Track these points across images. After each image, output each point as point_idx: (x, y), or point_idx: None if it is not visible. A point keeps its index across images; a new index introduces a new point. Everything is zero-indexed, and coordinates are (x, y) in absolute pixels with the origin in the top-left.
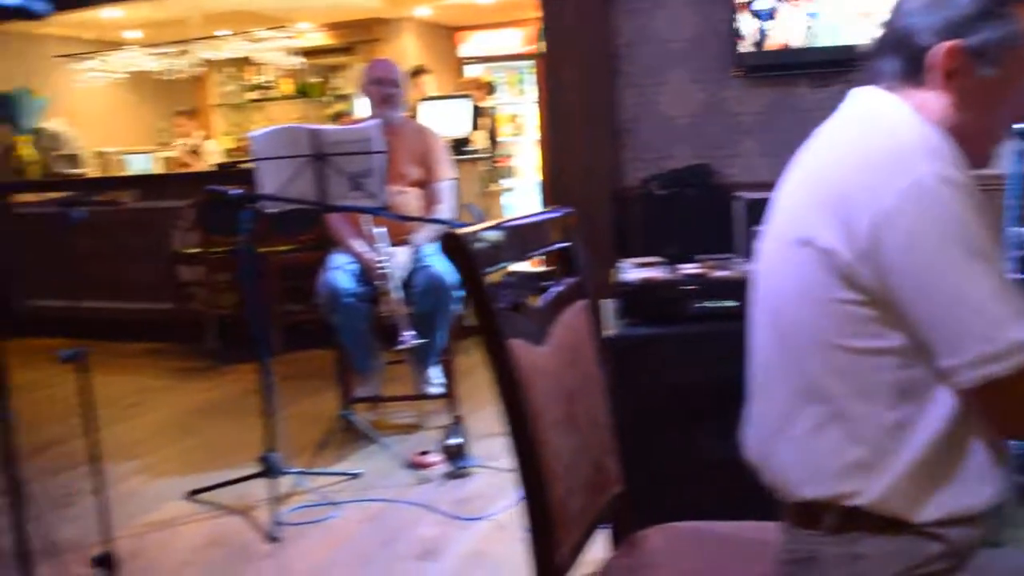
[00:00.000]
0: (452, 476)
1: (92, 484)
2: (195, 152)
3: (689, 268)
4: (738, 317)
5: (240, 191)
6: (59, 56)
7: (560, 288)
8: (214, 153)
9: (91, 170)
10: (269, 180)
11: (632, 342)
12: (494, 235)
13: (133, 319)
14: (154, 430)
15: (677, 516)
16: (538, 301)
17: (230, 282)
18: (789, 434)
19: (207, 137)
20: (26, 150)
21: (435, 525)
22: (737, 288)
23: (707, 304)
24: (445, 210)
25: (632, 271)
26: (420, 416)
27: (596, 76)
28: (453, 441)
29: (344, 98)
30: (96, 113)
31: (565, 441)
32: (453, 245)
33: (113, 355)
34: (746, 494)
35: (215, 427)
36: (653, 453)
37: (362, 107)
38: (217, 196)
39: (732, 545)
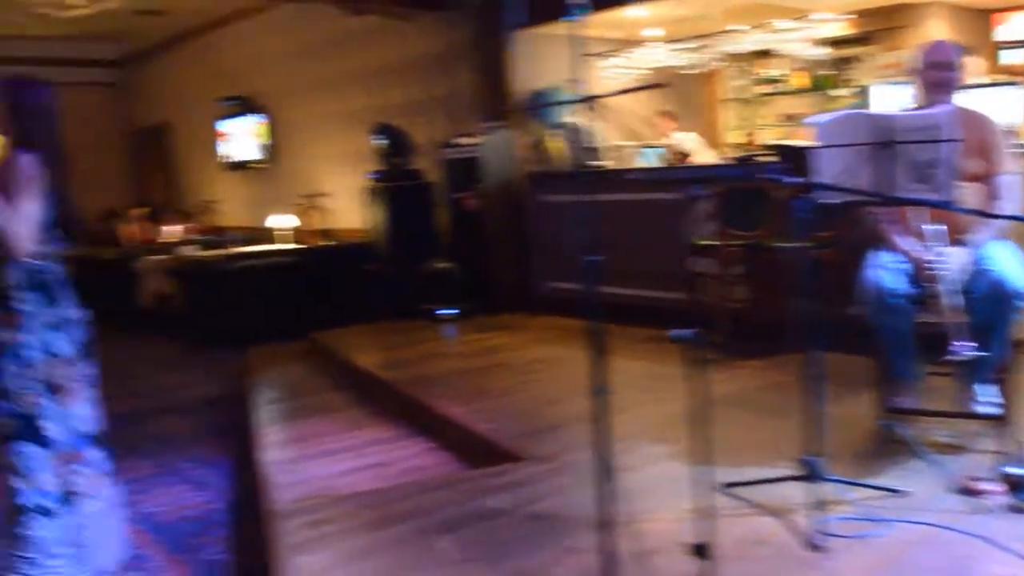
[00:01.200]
0: (1015, 510)
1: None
2: (675, 150)
3: None
4: None
5: (797, 179)
6: (587, 55)
7: None
8: (693, 149)
9: (609, 163)
10: (827, 169)
11: None
12: None
13: (645, 306)
14: (675, 416)
15: None
16: None
17: (743, 276)
18: None
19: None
20: (553, 143)
21: (1001, 564)
22: None
23: None
24: (1006, 207)
25: None
26: (959, 436)
27: None
28: (1015, 470)
29: (859, 91)
30: (614, 108)
31: None
32: None
33: (625, 339)
34: None
35: (735, 421)
36: None
37: (877, 99)
38: (758, 185)
39: None
